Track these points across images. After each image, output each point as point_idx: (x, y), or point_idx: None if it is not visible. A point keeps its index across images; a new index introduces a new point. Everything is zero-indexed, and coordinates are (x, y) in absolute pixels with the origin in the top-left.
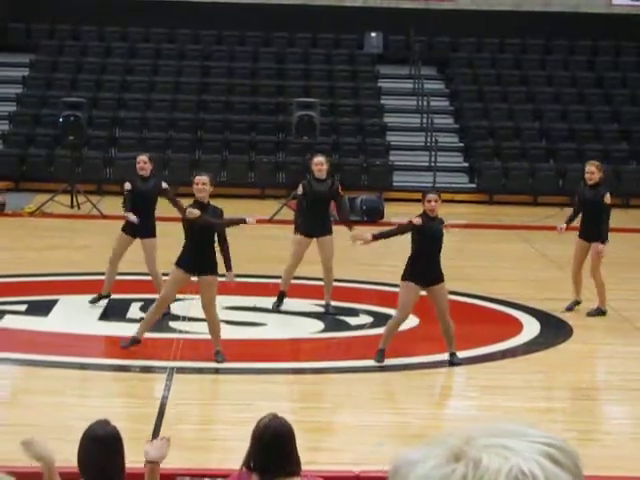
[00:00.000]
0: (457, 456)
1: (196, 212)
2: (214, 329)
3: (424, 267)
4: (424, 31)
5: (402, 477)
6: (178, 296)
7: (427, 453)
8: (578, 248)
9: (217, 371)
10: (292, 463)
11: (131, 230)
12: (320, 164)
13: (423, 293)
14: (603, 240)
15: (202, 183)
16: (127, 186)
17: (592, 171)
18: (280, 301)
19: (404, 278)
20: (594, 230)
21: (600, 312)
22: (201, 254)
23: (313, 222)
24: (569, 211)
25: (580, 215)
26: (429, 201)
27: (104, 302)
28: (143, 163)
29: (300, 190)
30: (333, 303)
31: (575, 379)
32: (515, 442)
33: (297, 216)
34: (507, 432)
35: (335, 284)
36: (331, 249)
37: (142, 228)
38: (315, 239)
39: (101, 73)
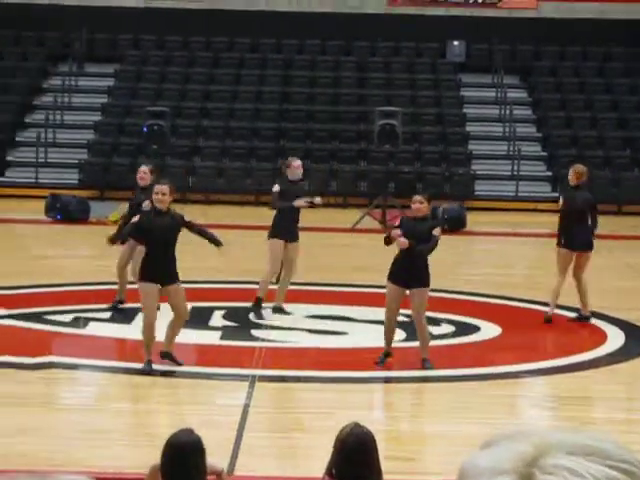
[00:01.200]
0: (525, 478)
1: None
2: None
3: (406, 267)
4: (507, 39)
5: None
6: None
7: (496, 462)
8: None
9: (299, 379)
10: (374, 472)
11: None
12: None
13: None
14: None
15: (162, 193)
16: None
17: (570, 174)
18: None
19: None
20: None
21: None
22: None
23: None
24: None
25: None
26: (414, 202)
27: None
28: (143, 173)
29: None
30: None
31: None
32: (590, 465)
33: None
34: (586, 449)
35: None
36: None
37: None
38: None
39: (185, 83)
